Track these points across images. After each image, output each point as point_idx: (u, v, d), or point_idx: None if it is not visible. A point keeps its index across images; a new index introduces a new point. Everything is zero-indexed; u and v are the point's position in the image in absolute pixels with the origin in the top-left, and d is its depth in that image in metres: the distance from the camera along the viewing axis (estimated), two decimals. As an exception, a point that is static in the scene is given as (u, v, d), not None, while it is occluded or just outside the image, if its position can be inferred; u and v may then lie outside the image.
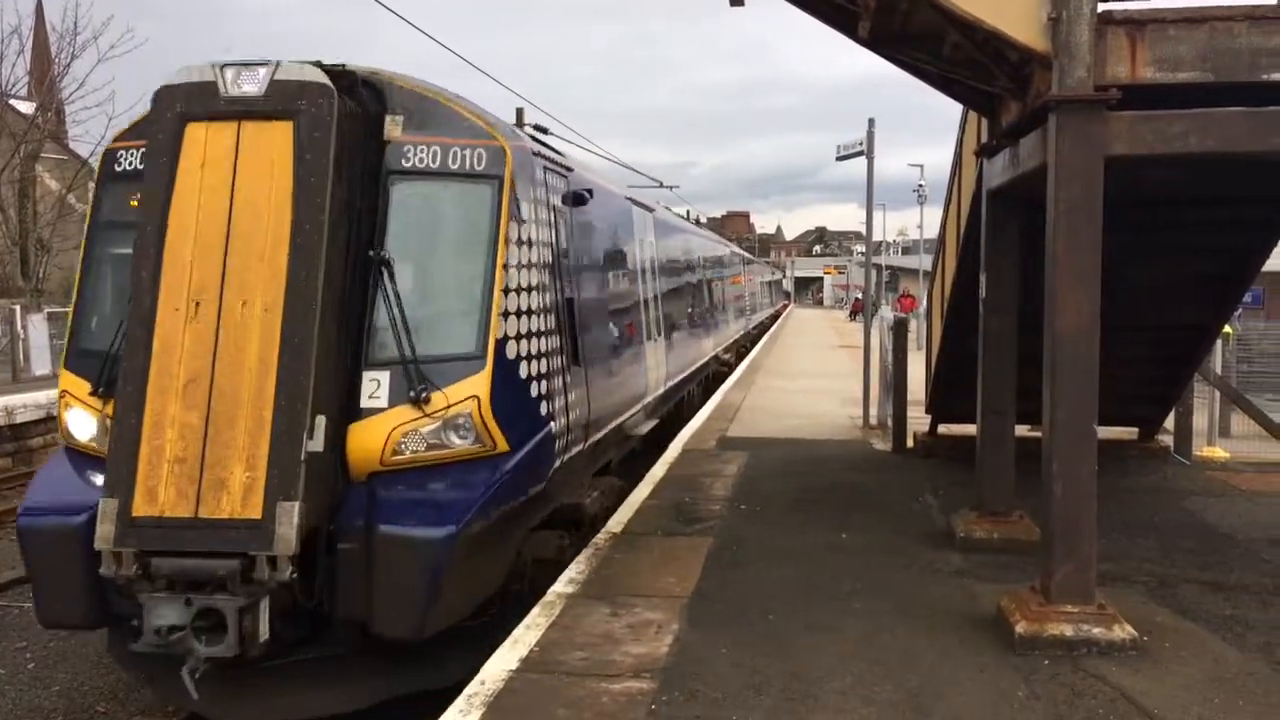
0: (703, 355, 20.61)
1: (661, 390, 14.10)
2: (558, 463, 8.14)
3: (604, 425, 10.05)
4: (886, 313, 19.15)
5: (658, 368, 13.82)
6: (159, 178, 6.75)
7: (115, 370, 6.79)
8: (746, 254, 46.47)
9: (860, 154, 17.68)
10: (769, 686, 6.13)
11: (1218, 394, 14.51)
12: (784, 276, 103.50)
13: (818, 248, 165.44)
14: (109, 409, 6.77)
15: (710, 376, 22.94)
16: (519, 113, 15.13)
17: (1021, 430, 9.74)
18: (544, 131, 12.70)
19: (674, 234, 18.52)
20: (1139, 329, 10.52)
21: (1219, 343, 13.66)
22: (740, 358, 31.07)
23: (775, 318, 65.89)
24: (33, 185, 33.40)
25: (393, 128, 7.43)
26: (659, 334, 14.29)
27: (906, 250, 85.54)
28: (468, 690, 6.08)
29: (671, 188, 29.69)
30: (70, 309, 7.84)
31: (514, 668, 6.39)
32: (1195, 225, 10.13)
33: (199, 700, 6.49)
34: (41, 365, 24.78)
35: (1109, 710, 5.82)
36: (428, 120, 7.50)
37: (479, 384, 7.06)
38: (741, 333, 33.92)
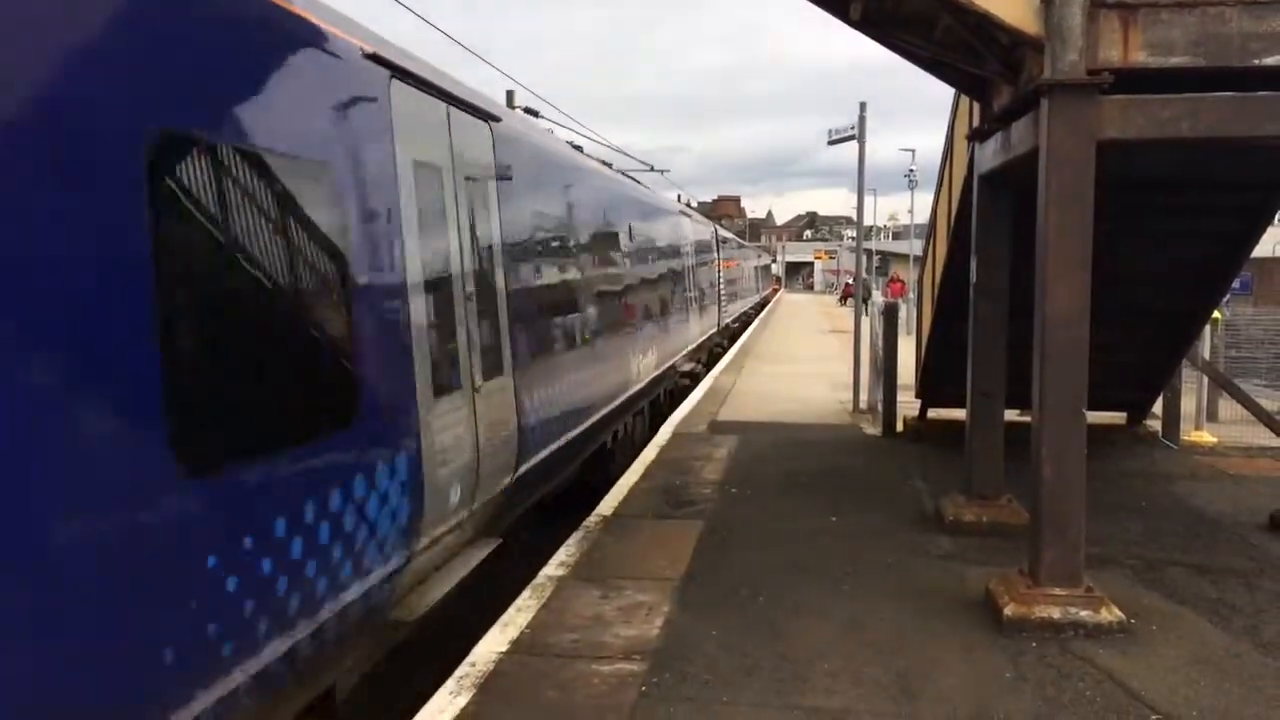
0: (633, 381, 13.75)
1: (506, 481, 7.77)
2: None
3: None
4: (878, 298, 19.13)
5: (488, 444, 7.24)
6: None
7: None
8: (725, 231, 37.46)
9: (851, 138, 17.69)
10: (759, 668, 6.15)
11: (1206, 379, 14.57)
12: (774, 261, 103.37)
13: (808, 232, 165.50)
14: None
15: (669, 393, 17.85)
16: (509, 95, 15.06)
17: (1011, 415, 9.77)
18: (535, 115, 12.63)
19: (564, 179, 10.62)
20: (1129, 313, 10.56)
21: (1207, 328, 13.71)
22: (714, 360, 25.93)
23: (763, 305, 58.74)
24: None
25: None
26: (503, 369, 7.73)
27: (897, 235, 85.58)
28: (458, 673, 6.09)
29: (663, 172, 29.70)
30: None
31: (504, 650, 6.41)
32: (1186, 210, 10.15)
33: None
34: None
35: (1096, 692, 5.86)
36: None
37: None
38: (714, 329, 27.32)
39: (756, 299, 54.37)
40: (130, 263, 3.83)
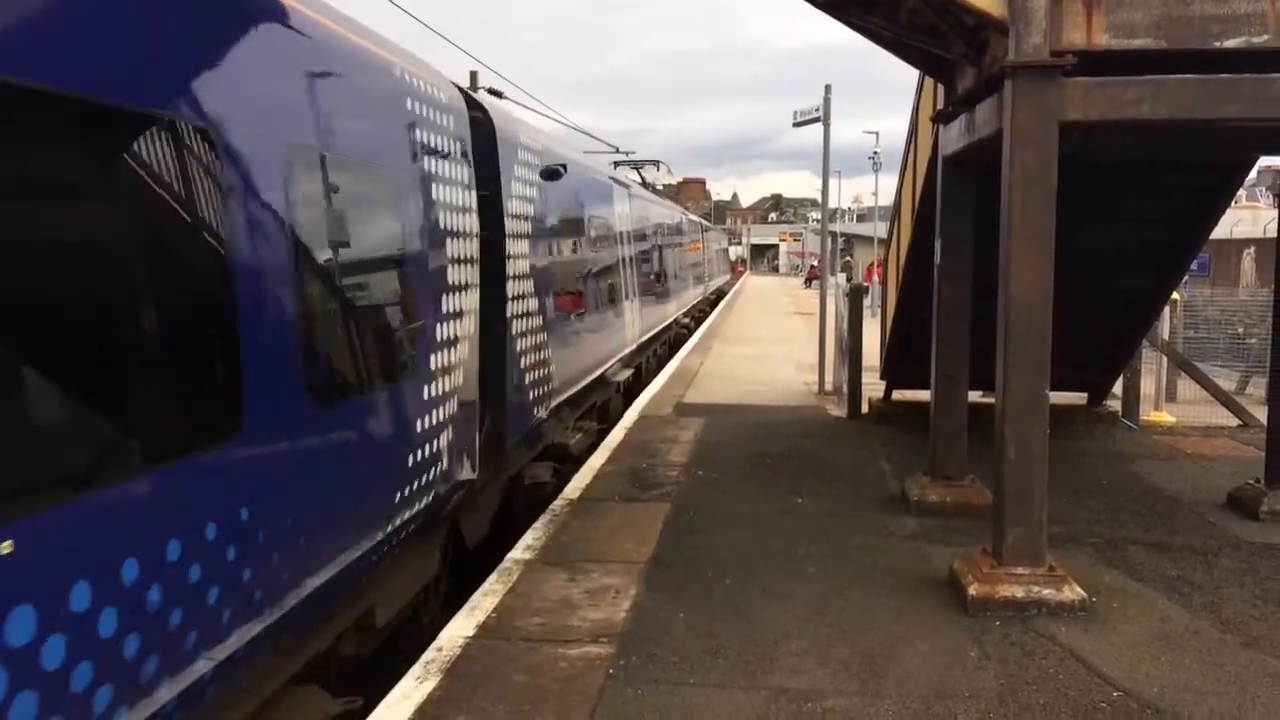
0: None
1: None
2: None
3: None
4: (841, 280, 19.20)
5: None
6: None
7: None
8: (569, 153, 12.65)
9: (816, 120, 17.71)
10: (726, 650, 6.16)
11: (1165, 360, 14.77)
12: (737, 242, 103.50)
13: (773, 215, 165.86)
14: None
15: None
16: (473, 76, 14.93)
17: (974, 396, 9.85)
18: (499, 96, 12.54)
19: None
20: (1090, 295, 10.65)
21: (1166, 309, 13.88)
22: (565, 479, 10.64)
23: (719, 298, 47.98)
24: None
25: None
26: None
27: (862, 217, 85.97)
28: (424, 657, 6.06)
29: (628, 154, 29.56)
30: None
31: (471, 634, 6.37)
32: (1147, 192, 10.26)
33: None
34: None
35: (1059, 669, 5.92)
36: None
37: None
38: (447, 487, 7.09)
39: (703, 293, 38.01)
40: None
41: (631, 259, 17.14)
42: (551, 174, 10.30)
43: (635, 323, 16.67)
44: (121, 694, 3.54)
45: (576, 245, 12.14)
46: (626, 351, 15.59)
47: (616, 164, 24.71)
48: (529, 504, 9.74)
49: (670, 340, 25.25)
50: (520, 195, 9.15)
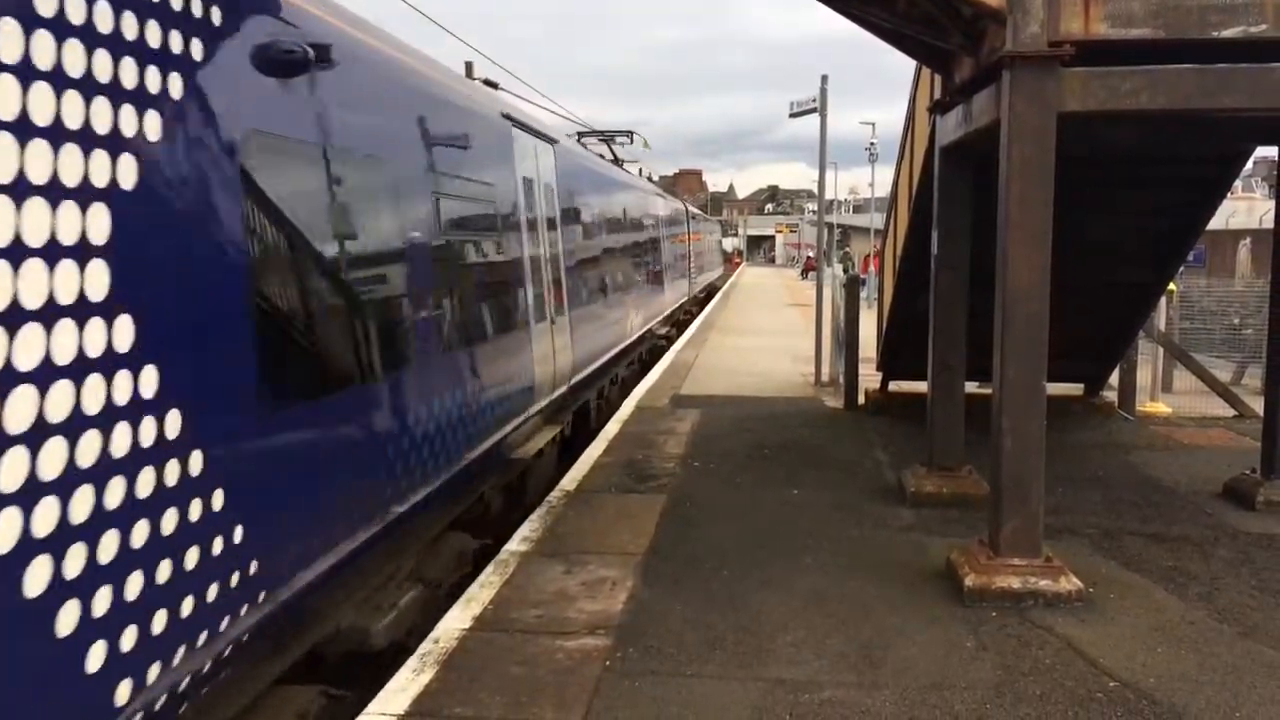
0: None
1: None
2: None
3: None
4: (838, 270, 19.14)
5: None
6: None
7: None
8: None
9: (813, 111, 17.66)
10: (723, 641, 6.17)
11: (1161, 351, 14.79)
12: (734, 233, 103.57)
13: (770, 206, 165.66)
14: None
15: None
16: (468, 66, 14.86)
17: (971, 387, 9.85)
18: (494, 87, 12.49)
19: None
20: (1087, 286, 10.65)
21: (1162, 300, 13.89)
22: None
23: (711, 295, 43.89)
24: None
25: None
26: None
27: (858, 209, 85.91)
28: (421, 649, 6.05)
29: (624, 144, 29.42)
30: None
31: (467, 626, 6.37)
32: (1144, 183, 10.25)
33: None
34: None
35: (1055, 660, 5.93)
36: None
37: None
38: None
39: (684, 296, 30.14)
40: None
41: (560, 256, 11.55)
42: (292, 63, 4.90)
43: (564, 353, 11.13)
44: None
45: (397, 233, 6.54)
46: (544, 402, 10.12)
47: (580, 135, 19.36)
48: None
49: (642, 356, 19.57)
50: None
